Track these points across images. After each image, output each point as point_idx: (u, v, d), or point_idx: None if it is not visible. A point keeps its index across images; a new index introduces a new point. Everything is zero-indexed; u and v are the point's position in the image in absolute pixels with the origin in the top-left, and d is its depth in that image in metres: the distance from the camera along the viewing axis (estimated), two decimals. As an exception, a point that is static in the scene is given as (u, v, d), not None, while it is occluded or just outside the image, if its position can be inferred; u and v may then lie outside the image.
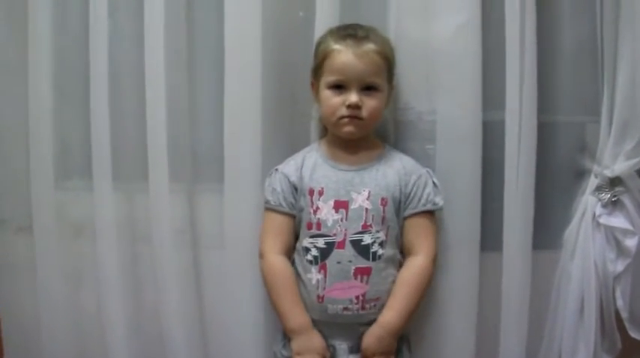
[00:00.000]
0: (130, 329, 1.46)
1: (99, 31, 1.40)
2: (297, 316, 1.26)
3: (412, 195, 1.28)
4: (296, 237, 1.31)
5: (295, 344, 1.27)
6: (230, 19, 1.36)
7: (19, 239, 1.51)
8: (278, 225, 1.31)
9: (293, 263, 1.31)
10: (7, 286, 1.52)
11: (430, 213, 1.30)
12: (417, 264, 1.28)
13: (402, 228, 1.30)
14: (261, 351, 1.40)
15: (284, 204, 1.30)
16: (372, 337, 1.25)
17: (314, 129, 1.38)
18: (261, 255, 1.31)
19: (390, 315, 1.25)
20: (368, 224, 1.25)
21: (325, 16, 1.32)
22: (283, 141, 1.40)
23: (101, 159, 1.43)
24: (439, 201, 1.29)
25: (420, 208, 1.28)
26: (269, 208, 1.32)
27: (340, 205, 1.26)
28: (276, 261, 1.29)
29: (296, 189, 1.29)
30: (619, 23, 1.28)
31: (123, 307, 1.46)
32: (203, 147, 1.45)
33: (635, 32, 1.27)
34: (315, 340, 1.26)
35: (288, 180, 1.30)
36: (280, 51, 1.39)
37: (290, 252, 1.31)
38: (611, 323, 1.34)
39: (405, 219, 1.29)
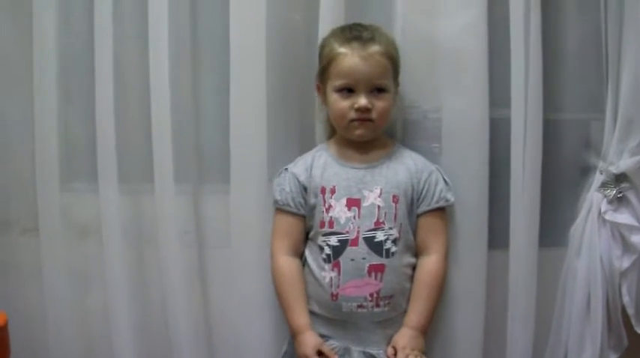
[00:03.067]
0: (136, 330, 1.46)
1: (104, 32, 1.40)
2: (295, 318, 1.28)
3: (424, 192, 1.29)
4: (307, 235, 1.32)
5: (295, 343, 1.29)
6: (235, 18, 1.36)
7: (25, 240, 1.51)
8: (286, 225, 1.32)
9: (305, 262, 1.31)
10: (14, 287, 1.51)
11: (442, 210, 1.30)
12: (432, 264, 1.30)
13: (414, 225, 1.30)
14: (268, 351, 1.40)
15: (292, 204, 1.30)
16: (404, 337, 1.26)
17: (320, 130, 1.38)
18: (271, 256, 1.33)
19: (417, 319, 1.28)
20: (380, 221, 1.26)
21: (330, 16, 1.32)
22: (289, 141, 1.40)
23: (106, 161, 1.43)
24: (450, 197, 1.30)
25: (434, 205, 1.29)
26: (278, 208, 1.32)
27: (352, 203, 1.27)
28: (283, 263, 1.31)
29: (305, 189, 1.30)
30: (623, 21, 1.29)
31: (129, 308, 1.45)
32: (208, 148, 1.45)
33: (639, 30, 1.27)
34: (309, 340, 1.26)
35: (298, 180, 1.30)
36: (285, 50, 1.39)
37: (299, 251, 1.32)
38: (617, 320, 1.34)
39: (418, 216, 1.29)
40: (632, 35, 1.28)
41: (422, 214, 1.29)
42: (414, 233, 1.31)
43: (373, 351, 1.27)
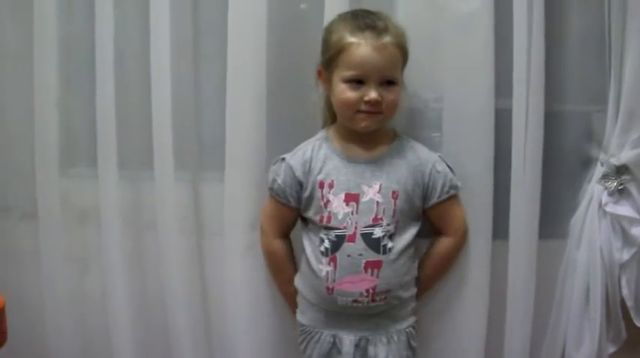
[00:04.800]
0: (134, 315, 1.47)
1: (105, 20, 1.40)
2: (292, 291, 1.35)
3: (432, 184, 1.27)
4: (297, 220, 1.33)
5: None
6: (234, 6, 1.35)
7: (24, 226, 1.51)
8: (278, 212, 1.33)
9: (304, 251, 1.30)
10: (12, 273, 1.51)
11: (454, 196, 1.30)
12: (442, 247, 1.33)
13: (429, 216, 1.30)
14: (263, 333, 1.41)
15: (284, 196, 1.29)
16: None
17: (317, 117, 1.37)
18: (262, 234, 1.36)
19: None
20: (379, 217, 1.24)
21: (334, 3, 1.31)
22: (288, 130, 1.39)
23: (106, 147, 1.43)
24: (458, 182, 1.29)
25: (444, 196, 1.28)
26: (271, 195, 1.32)
27: (351, 198, 1.24)
28: (276, 245, 1.35)
29: (301, 184, 1.28)
30: (626, 12, 1.28)
31: (127, 293, 1.46)
32: (208, 136, 1.45)
33: (642, 21, 1.27)
34: None
35: (294, 174, 1.28)
36: (286, 39, 1.38)
37: (289, 231, 1.36)
38: (616, 312, 1.34)
39: (431, 208, 1.29)
40: (635, 27, 1.27)
41: (434, 205, 1.28)
42: (430, 222, 1.31)
43: (366, 334, 1.27)
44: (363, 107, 1.20)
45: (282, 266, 1.36)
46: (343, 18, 1.24)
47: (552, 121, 1.33)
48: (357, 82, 1.20)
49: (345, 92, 1.21)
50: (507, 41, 1.29)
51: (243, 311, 1.41)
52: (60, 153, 1.47)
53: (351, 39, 1.19)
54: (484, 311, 1.36)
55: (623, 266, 1.33)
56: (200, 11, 1.42)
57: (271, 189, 1.31)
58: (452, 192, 1.28)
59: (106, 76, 1.41)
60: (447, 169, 1.28)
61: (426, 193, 1.28)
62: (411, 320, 1.31)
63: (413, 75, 1.31)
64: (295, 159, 1.29)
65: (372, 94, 1.19)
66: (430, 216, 1.31)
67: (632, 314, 1.34)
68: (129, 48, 1.43)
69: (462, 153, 1.32)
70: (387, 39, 1.19)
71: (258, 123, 1.37)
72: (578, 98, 1.37)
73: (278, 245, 1.35)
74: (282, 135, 1.38)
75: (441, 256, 1.34)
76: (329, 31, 1.24)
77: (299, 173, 1.27)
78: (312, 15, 1.36)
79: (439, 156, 1.30)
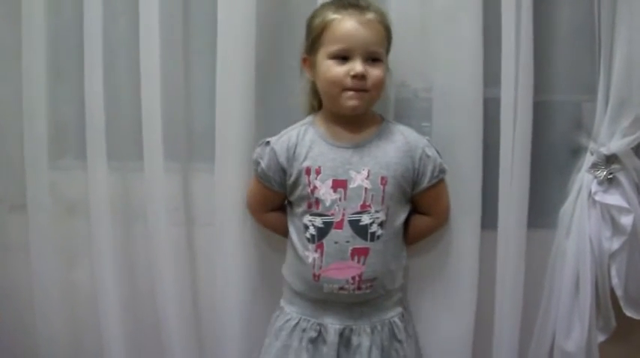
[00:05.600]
0: (124, 307, 1.46)
1: (93, 11, 1.40)
2: None
3: (422, 169, 1.26)
4: (284, 201, 1.33)
5: None
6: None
7: (13, 218, 1.51)
8: (262, 194, 1.33)
9: (290, 238, 1.30)
10: (1, 264, 1.51)
11: (441, 180, 1.29)
12: (422, 222, 1.33)
13: (415, 199, 1.30)
14: (252, 323, 1.40)
15: (265, 178, 1.29)
16: None
17: (303, 106, 1.35)
18: (250, 211, 1.37)
19: None
20: (367, 204, 1.23)
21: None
22: (275, 120, 1.37)
23: (96, 138, 1.43)
24: (445, 165, 1.29)
25: (434, 181, 1.27)
26: (255, 176, 1.32)
27: (339, 184, 1.23)
28: (264, 218, 1.36)
29: (284, 171, 1.27)
30: (616, 1, 1.27)
31: (117, 285, 1.46)
32: (198, 127, 1.44)
33: (632, 10, 1.26)
34: None
35: (277, 159, 1.27)
36: (273, 30, 1.38)
37: (276, 208, 1.35)
38: (606, 301, 1.34)
39: (420, 192, 1.28)
40: (625, 15, 1.26)
41: (423, 190, 1.28)
42: (415, 205, 1.31)
43: (350, 323, 1.26)
44: (349, 83, 1.19)
45: (283, 230, 1.33)
46: (325, 3, 1.25)
47: (541, 110, 1.33)
48: (343, 58, 1.19)
49: (331, 68, 1.20)
50: (496, 30, 1.29)
51: (234, 303, 1.40)
52: (49, 144, 1.46)
53: (335, 15, 1.20)
54: (473, 300, 1.36)
55: (612, 255, 1.32)
56: (190, 3, 1.42)
57: (255, 171, 1.31)
58: (440, 176, 1.28)
59: (94, 67, 1.41)
60: (436, 153, 1.28)
61: (415, 178, 1.27)
62: (397, 310, 1.30)
63: (402, 64, 1.32)
64: (280, 144, 1.27)
65: (358, 67, 1.18)
66: (417, 200, 1.30)
67: (622, 303, 1.34)
68: (118, 39, 1.43)
69: (452, 143, 1.32)
70: (370, 15, 1.20)
71: (248, 113, 1.37)
72: (568, 87, 1.36)
73: (271, 218, 1.36)
74: (271, 125, 1.36)
75: (419, 231, 1.34)
76: (312, 16, 1.25)
77: (282, 159, 1.26)
78: (301, 6, 1.35)
79: (427, 140, 1.29)
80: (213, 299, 1.43)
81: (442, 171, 1.28)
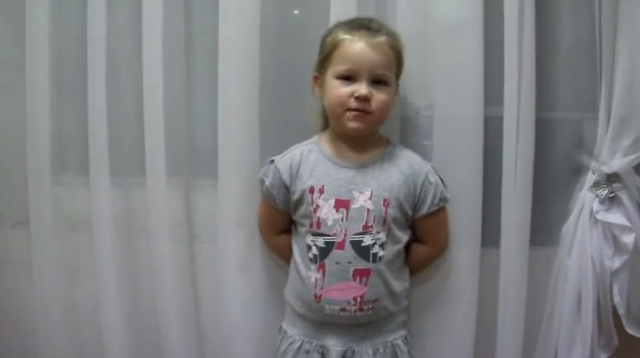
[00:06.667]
0: (126, 322, 1.46)
1: (97, 27, 1.40)
2: None
3: (423, 195, 1.26)
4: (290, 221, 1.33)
5: None
6: (226, 13, 1.34)
7: (16, 233, 1.51)
8: (269, 213, 1.33)
9: (293, 257, 1.30)
10: (3, 280, 1.51)
11: (442, 208, 1.29)
12: (421, 252, 1.32)
13: (414, 225, 1.30)
14: (256, 341, 1.40)
15: (269, 197, 1.30)
16: None
17: (311, 124, 1.36)
18: (260, 230, 1.38)
19: None
20: (369, 225, 1.23)
21: (322, 10, 1.31)
22: (279, 136, 1.38)
23: (98, 154, 1.43)
24: (447, 194, 1.28)
25: (434, 208, 1.27)
26: (262, 196, 1.32)
27: (341, 204, 1.23)
28: (272, 240, 1.37)
29: (287, 188, 1.27)
30: (617, 19, 1.28)
31: (119, 301, 1.46)
32: (200, 143, 1.44)
33: (633, 28, 1.27)
34: None
35: (281, 177, 1.27)
36: (277, 46, 1.38)
37: (285, 228, 1.34)
38: (608, 320, 1.34)
39: (419, 218, 1.28)
40: (626, 34, 1.27)
41: (422, 216, 1.28)
42: (414, 231, 1.31)
43: (353, 345, 1.26)
44: (353, 104, 1.19)
45: (289, 255, 1.33)
46: (339, 23, 1.26)
47: (543, 129, 1.33)
48: (349, 79, 1.20)
49: (336, 88, 1.20)
50: (498, 49, 1.29)
51: (237, 321, 1.40)
52: (51, 160, 1.46)
53: (345, 36, 1.21)
54: (473, 318, 1.36)
55: (614, 273, 1.32)
56: (192, 18, 1.42)
57: (261, 190, 1.31)
58: (441, 204, 1.28)
59: (97, 83, 1.41)
60: (439, 181, 1.28)
61: (416, 203, 1.27)
62: (400, 333, 1.30)
63: (404, 82, 1.32)
64: (283, 162, 1.28)
65: (362, 89, 1.18)
66: (415, 226, 1.30)
67: (624, 321, 1.34)
68: (121, 55, 1.43)
69: (452, 161, 1.32)
70: (381, 38, 1.20)
71: (251, 129, 1.37)
72: (569, 105, 1.37)
73: (278, 241, 1.35)
74: (275, 141, 1.37)
75: (418, 260, 1.33)
76: (326, 35, 1.26)
77: (285, 176, 1.27)
78: (305, 21, 1.36)
79: (432, 167, 1.29)
80: (215, 316, 1.43)
81: (443, 199, 1.28)
